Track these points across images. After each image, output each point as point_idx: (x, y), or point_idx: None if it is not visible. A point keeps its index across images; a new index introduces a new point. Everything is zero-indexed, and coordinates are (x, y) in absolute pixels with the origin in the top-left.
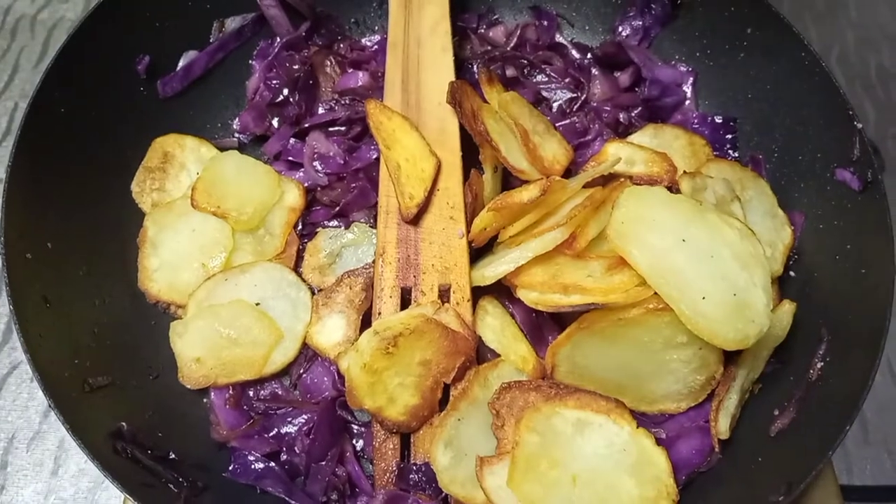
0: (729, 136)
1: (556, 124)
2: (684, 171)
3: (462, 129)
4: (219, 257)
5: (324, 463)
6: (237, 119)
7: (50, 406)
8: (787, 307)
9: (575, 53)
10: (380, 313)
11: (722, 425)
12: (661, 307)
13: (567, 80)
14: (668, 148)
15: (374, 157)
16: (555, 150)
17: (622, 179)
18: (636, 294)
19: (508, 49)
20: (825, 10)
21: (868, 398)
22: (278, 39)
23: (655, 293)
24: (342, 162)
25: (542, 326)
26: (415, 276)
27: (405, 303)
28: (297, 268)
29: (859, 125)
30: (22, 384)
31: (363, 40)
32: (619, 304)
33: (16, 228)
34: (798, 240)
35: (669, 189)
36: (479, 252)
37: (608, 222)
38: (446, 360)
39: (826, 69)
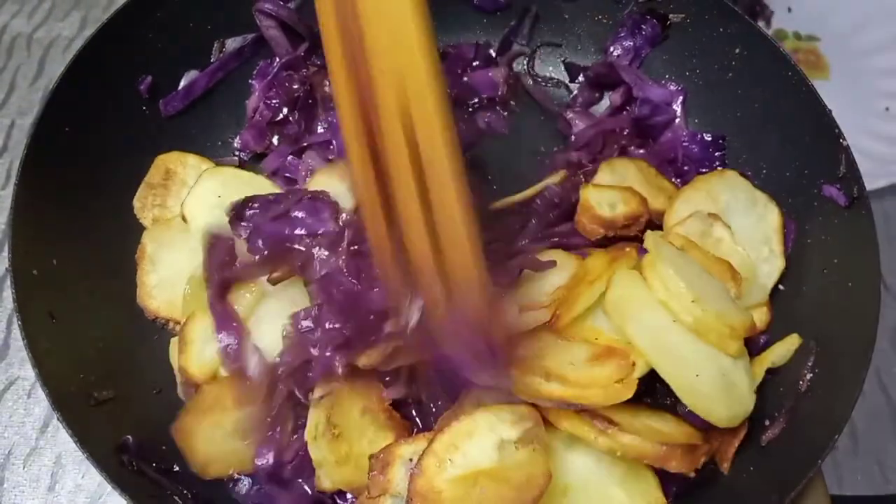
0: (718, 154)
1: None
2: (648, 230)
3: None
4: None
5: None
6: (238, 137)
7: (58, 419)
8: (793, 341)
9: None
10: None
11: None
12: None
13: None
14: (624, 180)
15: None
16: None
17: (627, 249)
18: (615, 394)
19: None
20: None
21: (859, 410)
22: (277, 59)
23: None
24: None
25: None
26: None
27: None
28: None
29: (845, 142)
30: (18, 400)
31: None
32: (598, 405)
33: (22, 245)
34: (790, 250)
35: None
36: None
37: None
38: (375, 391)
39: (812, 88)
